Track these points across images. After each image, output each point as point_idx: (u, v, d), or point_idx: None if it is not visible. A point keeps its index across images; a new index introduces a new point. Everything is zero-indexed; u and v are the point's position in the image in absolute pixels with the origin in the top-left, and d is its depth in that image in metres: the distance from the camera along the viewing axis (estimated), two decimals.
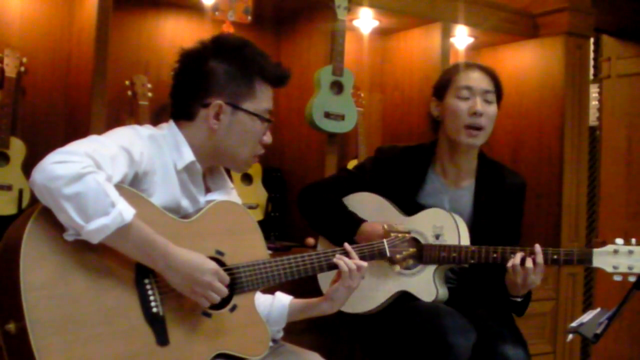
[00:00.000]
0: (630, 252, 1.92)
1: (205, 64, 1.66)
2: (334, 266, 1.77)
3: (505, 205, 2.26)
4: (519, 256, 1.99)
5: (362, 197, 2.30)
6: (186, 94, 1.69)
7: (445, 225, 2.13)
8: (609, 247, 1.94)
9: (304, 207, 2.36)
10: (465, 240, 2.11)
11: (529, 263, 1.97)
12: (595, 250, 1.96)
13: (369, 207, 2.26)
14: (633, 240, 1.94)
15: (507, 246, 2.04)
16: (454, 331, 1.95)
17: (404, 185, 2.26)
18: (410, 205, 2.23)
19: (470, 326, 2.01)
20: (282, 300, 1.84)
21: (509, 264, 2.00)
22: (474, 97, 2.19)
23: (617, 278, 1.94)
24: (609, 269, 1.94)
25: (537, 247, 2.00)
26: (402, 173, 2.27)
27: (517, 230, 2.30)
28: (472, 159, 2.29)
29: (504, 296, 2.11)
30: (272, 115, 1.73)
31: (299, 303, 1.85)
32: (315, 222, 2.34)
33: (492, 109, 2.22)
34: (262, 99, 1.69)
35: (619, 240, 1.94)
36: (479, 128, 2.18)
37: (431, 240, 2.13)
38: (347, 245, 1.80)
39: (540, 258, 1.98)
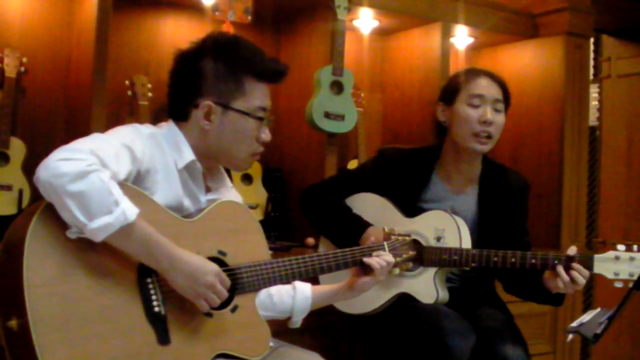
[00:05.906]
0: (632, 258, 1.90)
1: (196, 64, 1.65)
2: (357, 263, 1.82)
3: (509, 207, 2.25)
4: (561, 270, 1.93)
5: (364, 197, 2.29)
6: (179, 94, 1.69)
7: (447, 227, 2.12)
8: (610, 254, 1.92)
9: (307, 208, 2.34)
10: (467, 243, 2.09)
11: (577, 277, 1.91)
12: (596, 256, 1.94)
13: (371, 208, 2.25)
14: (635, 247, 1.91)
15: (508, 250, 2.02)
16: (453, 333, 1.94)
17: (407, 187, 2.25)
18: (411, 208, 2.22)
19: (469, 328, 2.01)
20: (305, 290, 1.87)
21: (560, 284, 1.93)
22: (485, 106, 2.18)
23: (618, 285, 1.92)
24: (610, 276, 1.92)
25: (572, 249, 1.95)
26: (406, 175, 2.26)
27: (524, 228, 2.29)
28: (477, 165, 2.28)
29: (539, 291, 2.08)
30: (270, 112, 1.71)
31: (321, 292, 1.89)
32: (319, 224, 2.33)
33: (501, 118, 2.22)
34: (254, 96, 1.66)
35: (621, 247, 1.92)
36: (488, 136, 2.18)
37: (432, 242, 2.12)
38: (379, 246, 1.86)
39: (585, 272, 1.92)
